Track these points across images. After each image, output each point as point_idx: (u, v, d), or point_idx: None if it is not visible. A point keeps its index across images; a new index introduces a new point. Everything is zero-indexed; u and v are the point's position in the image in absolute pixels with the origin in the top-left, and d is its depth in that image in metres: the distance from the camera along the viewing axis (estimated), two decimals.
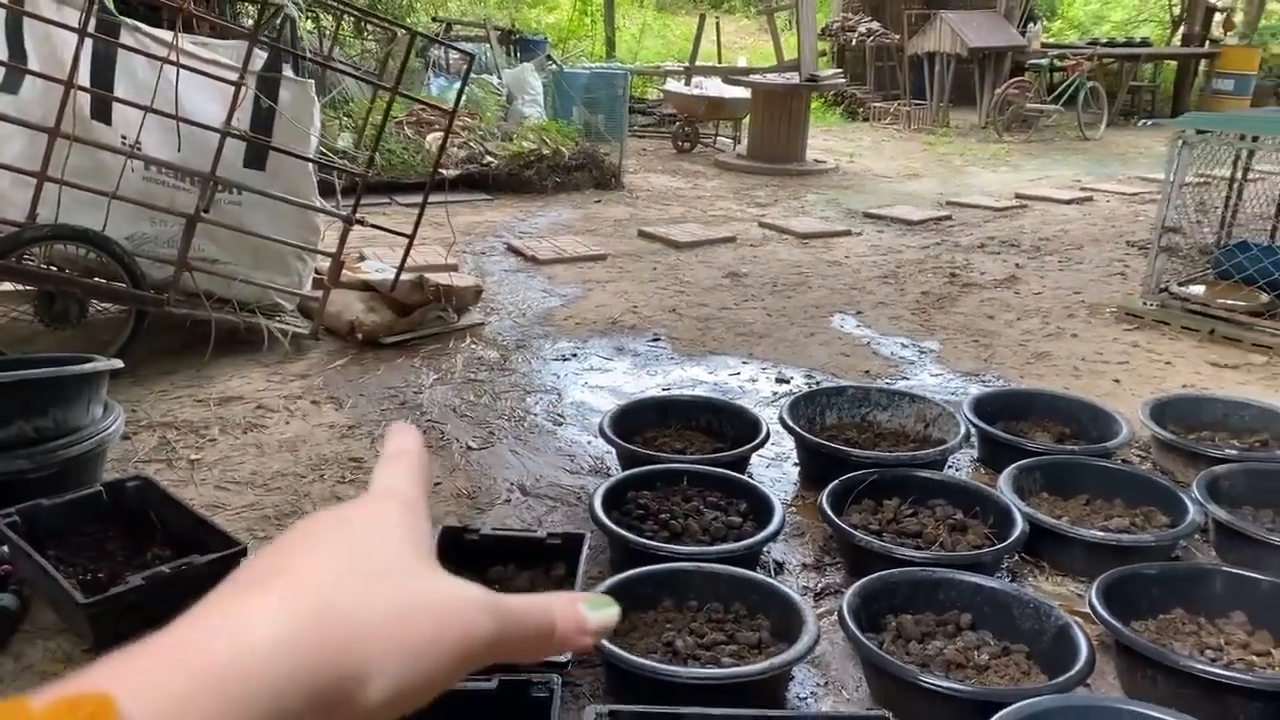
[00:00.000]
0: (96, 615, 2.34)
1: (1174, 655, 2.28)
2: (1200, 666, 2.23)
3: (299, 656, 0.37)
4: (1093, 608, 2.43)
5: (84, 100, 3.90)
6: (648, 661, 2.21)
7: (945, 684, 2.18)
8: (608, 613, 0.47)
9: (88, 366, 3.05)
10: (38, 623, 2.49)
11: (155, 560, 2.64)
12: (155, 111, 3.82)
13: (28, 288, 3.99)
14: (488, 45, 10.51)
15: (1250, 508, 3.09)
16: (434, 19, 9.09)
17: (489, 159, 7.87)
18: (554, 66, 10.79)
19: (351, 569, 0.41)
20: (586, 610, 0.47)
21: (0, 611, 2.44)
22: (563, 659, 2.19)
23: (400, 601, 0.41)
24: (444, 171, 7.31)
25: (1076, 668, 2.21)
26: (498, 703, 2.05)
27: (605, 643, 2.22)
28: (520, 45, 11.05)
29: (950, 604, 2.54)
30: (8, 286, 4.07)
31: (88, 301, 3.99)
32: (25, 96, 3.94)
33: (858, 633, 2.31)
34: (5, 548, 2.67)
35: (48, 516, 2.69)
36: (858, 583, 2.51)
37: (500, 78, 9.76)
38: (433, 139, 7.98)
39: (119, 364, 3.17)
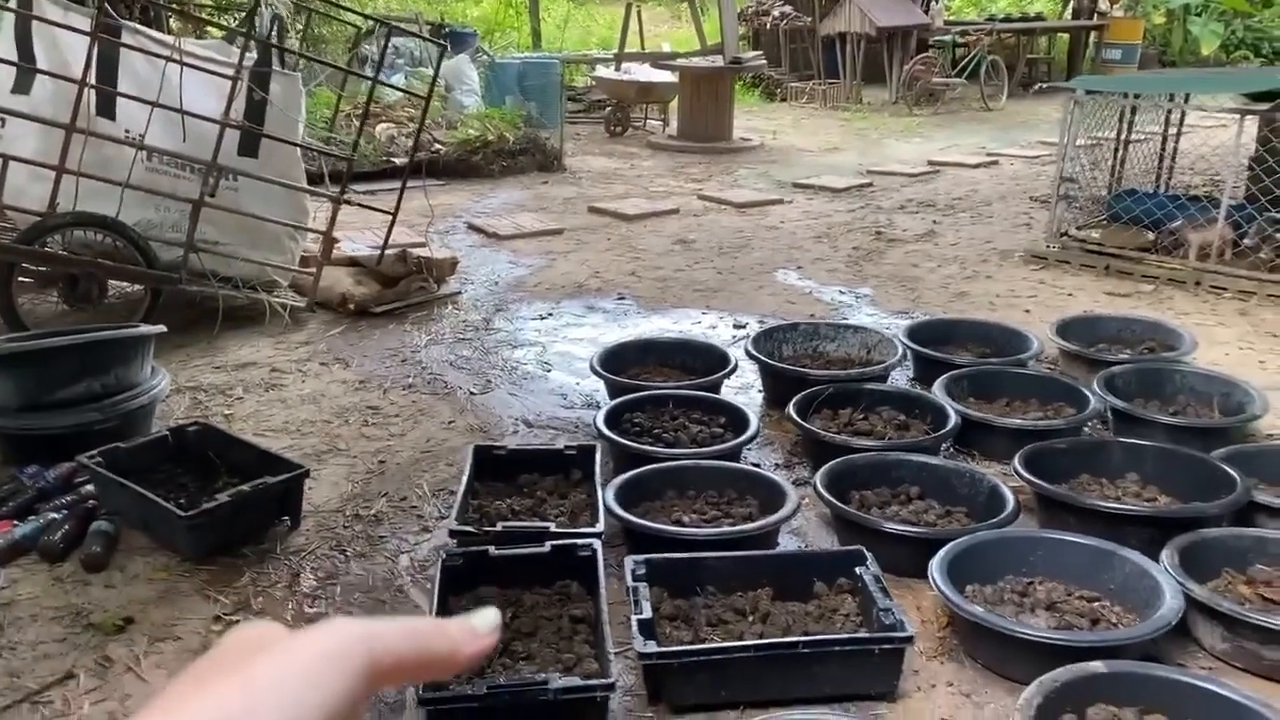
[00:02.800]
0: (195, 527, 2.76)
1: (1082, 496, 2.87)
2: (1103, 503, 2.82)
3: None
4: (1017, 472, 2.99)
5: (90, 98, 4.24)
6: (665, 526, 2.72)
7: (904, 527, 2.73)
8: (490, 615, 0.52)
9: (140, 330, 3.45)
10: (131, 545, 2.89)
11: (227, 487, 3.05)
12: (160, 106, 4.18)
13: (52, 273, 4.32)
14: (421, 40, 10.83)
15: (1140, 399, 3.71)
16: (365, 16, 9.43)
17: (437, 146, 8.26)
18: (485, 58, 11.18)
19: (242, 711, 0.42)
20: (475, 623, 0.51)
21: (104, 534, 2.83)
22: (597, 527, 2.67)
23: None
24: (396, 160, 7.70)
25: (1005, 513, 2.78)
26: (552, 561, 2.53)
27: (630, 516, 2.73)
28: (451, 38, 11.39)
29: (901, 480, 3.09)
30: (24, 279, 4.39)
31: (107, 283, 4.34)
32: (37, 97, 4.27)
33: (830, 498, 2.84)
34: (91, 486, 3.07)
35: (125, 457, 3.08)
36: (825, 465, 3.04)
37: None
38: (382, 129, 8.34)
39: (163, 329, 3.56)
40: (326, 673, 0.45)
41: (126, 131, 4.37)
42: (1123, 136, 6.26)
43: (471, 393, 4.04)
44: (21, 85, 4.28)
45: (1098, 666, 2.08)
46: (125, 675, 2.34)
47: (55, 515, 2.91)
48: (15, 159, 4.02)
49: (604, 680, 2.08)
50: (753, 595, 2.50)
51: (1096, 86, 6.21)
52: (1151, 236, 5.69)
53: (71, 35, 4.23)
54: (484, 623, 0.52)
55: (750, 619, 2.43)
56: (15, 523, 2.88)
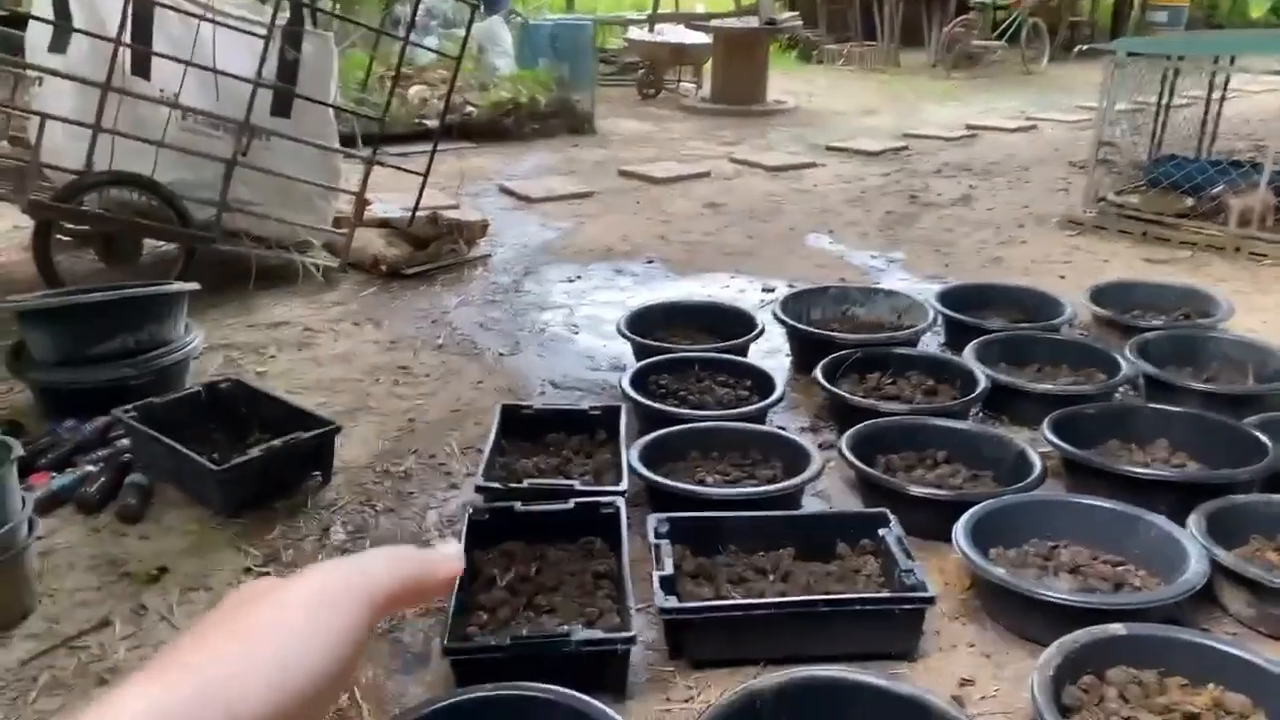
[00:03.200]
0: (226, 481, 2.81)
1: (1112, 461, 2.85)
2: (1131, 468, 2.80)
3: None
4: (1045, 436, 2.97)
5: (125, 57, 4.28)
6: (689, 485, 2.74)
7: (929, 490, 2.73)
8: (454, 546, 0.56)
9: (173, 286, 3.50)
10: (164, 498, 2.94)
11: (259, 443, 3.09)
12: (194, 65, 4.20)
13: (87, 232, 4.38)
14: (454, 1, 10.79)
15: (1174, 366, 3.66)
16: None
17: (469, 108, 8.26)
18: (518, 19, 11.12)
19: (241, 658, 0.43)
20: (448, 549, 0.55)
21: (139, 487, 2.89)
22: (621, 486, 2.69)
23: (277, 688, 0.43)
24: (428, 122, 7.70)
25: (1032, 477, 2.77)
26: (576, 518, 2.55)
27: (654, 475, 2.74)
28: (485, 0, 11.34)
29: (928, 444, 3.08)
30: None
31: (142, 242, 4.39)
32: (73, 56, 4.31)
33: (856, 460, 2.84)
34: (126, 440, 3.13)
35: (160, 412, 3.13)
36: (852, 429, 3.04)
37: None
38: (415, 91, 8.34)
39: (196, 286, 3.61)
40: (324, 612, 0.46)
41: (161, 91, 4.40)
42: (1164, 100, 6.13)
43: (500, 354, 4.06)
44: (58, 44, 4.31)
45: (1118, 629, 2.08)
46: (159, 624, 2.39)
47: (92, 468, 2.97)
48: (53, 117, 4.07)
49: (625, 634, 2.11)
50: (775, 555, 2.52)
51: (1139, 48, 6.09)
52: (1191, 202, 5.59)
53: None
54: (455, 549, 0.55)
55: (771, 578, 2.45)
56: (53, 474, 2.94)
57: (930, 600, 2.24)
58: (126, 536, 2.74)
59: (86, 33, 4.21)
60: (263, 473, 2.88)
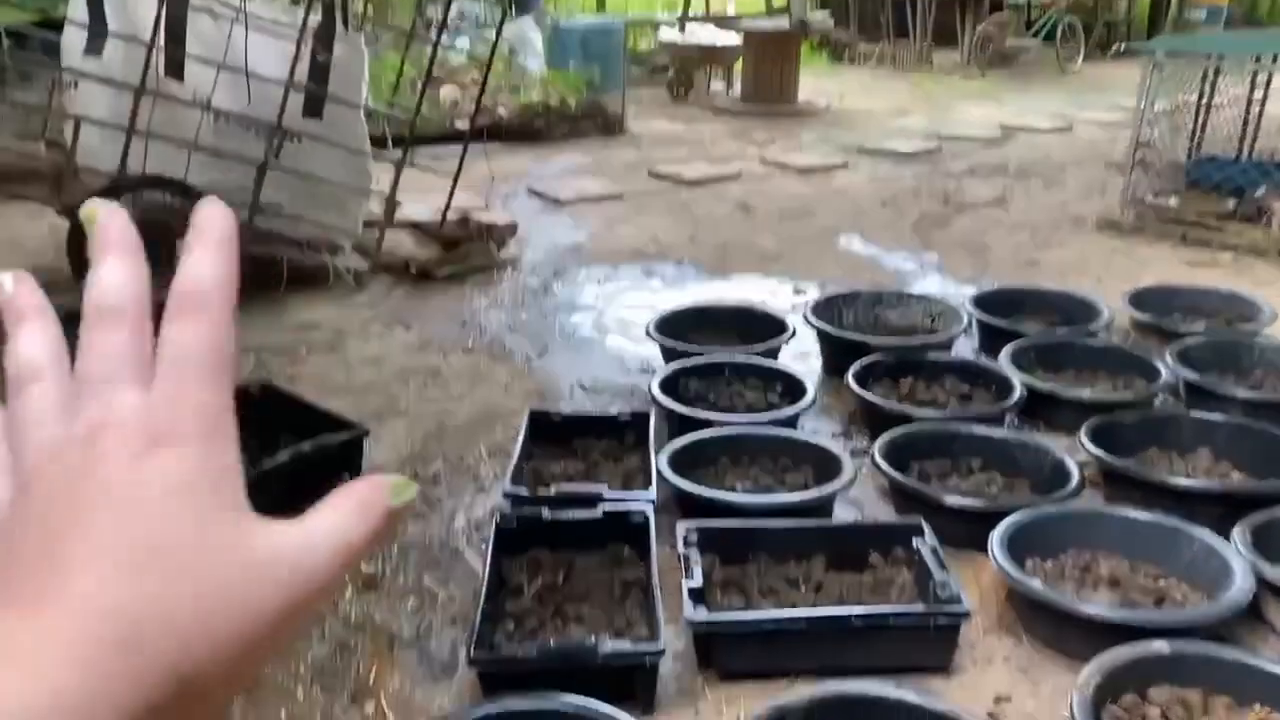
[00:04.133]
0: (254, 485, 2.79)
1: (1150, 471, 2.79)
2: (1172, 479, 2.73)
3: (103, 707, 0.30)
4: (1082, 445, 2.92)
5: (158, 60, 4.30)
6: (719, 492, 2.70)
7: (963, 500, 2.68)
8: (409, 493, 0.41)
9: None
10: None
11: (288, 446, 3.09)
12: (226, 68, 4.22)
13: None
14: (485, 3, 10.81)
15: (1215, 373, 3.58)
16: None
17: (500, 110, 8.26)
18: (550, 21, 11.11)
19: (142, 563, 0.33)
20: (388, 495, 0.40)
21: None
22: (650, 493, 2.66)
23: (210, 597, 0.34)
24: (459, 124, 7.71)
25: (1070, 487, 2.71)
26: (605, 526, 2.53)
27: (683, 482, 2.71)
28: (516, 2, 11.35)
29: (963, 451, 3.03)
30: None
31: (174, 244, 4.41)
32: (108, 59, 4.34)
33: (888, 468, 2.80)
34: None
35: None
36: (885, 435, 2.99)
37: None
38: (446, 93, 8.36)
39: None
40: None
41: (194, 93, 4.43)
42: (1204, 100, 6.02)
43: (529, 357, 4.05)
44: (93, 47, 4.35)
45: (1161, 646, 2.02)
46: None
47: None
48: (88, 120, 4.10)
49: (653, 646, 2.08)
50: (806, 565, 2.48)
51: (1177, 47, 5.98)
52: (1232, 204, 5.48)
53: None
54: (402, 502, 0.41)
55: (803, 589, 2.41)
56: None
57: (965, 614, 2.19)
58: None
59: (121, 36, 4.24)
60: (291, 476, 2.87)
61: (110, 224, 0.40)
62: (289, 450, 2.88)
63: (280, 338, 4.17)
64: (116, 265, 0.39)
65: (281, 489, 2.87)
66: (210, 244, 0.40)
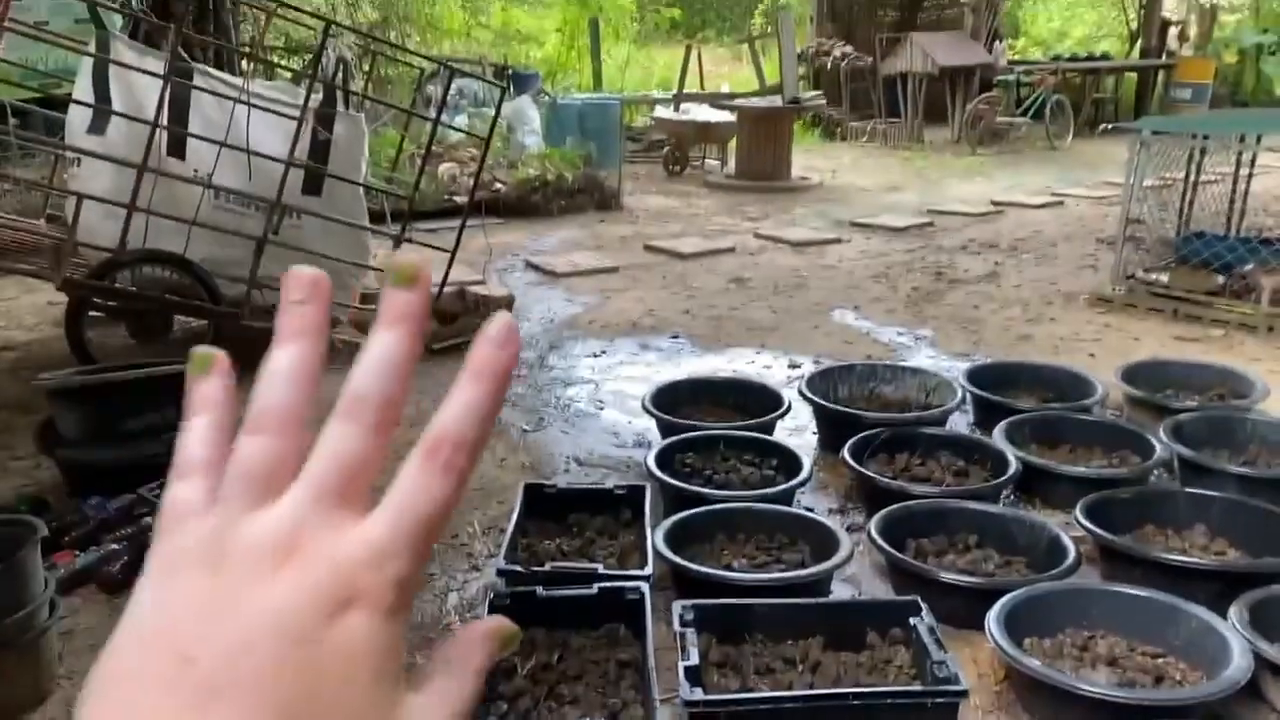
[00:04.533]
0: None
1: (1147, 548, 2.78)
2: (1169, 556, 2.72)
3: None
4: (1078, 521, 2.91)
5: (161, 139, 4.37)
6: (715, 570, 2.69)
7: (961, 577, 2.66)
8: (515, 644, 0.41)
9: None
10: None
11: None
12: (228, 146, 4.29)
13: (119, 309, 4.44)
14: (483, 82, 11.03)
15: (1209, 448, 3.59)
16: (428, 58, 9.63)
17: (498, 185, 8.37)
18: (547, 98, 11.34)
19: (299, 714, 0.32)
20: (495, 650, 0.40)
21: None
22: (646, 570, 2.64)
23: None
24: (457, 199, 7.81)
25: (1067, 564, 2.70)
26: (600, 603, 2.51)
27: (679, 559, 2.69)
28: (514, 80, 11.58)
29: (959, 528, 3.02)
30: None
31: (172, 319, 4.45)
32: (111, 137, 4.41)
33: (885, 545, 2.79)
34: (150, 518, 3.13)
35: None
36: (881, 511, 2.98)
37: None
38: (444, 169, 8.48)
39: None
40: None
41: (195, 170, 4.49)
42: (1192, 178, 6.12)
43: (524, 430, 4.05)
44: (97, 126, 4.42)
45: None
46: None
47: (115, 546, 2.96)
48: (89, 196, 4.15)
49: None
50: (803, 644, 2.46)
51: (1163, 127, 6.11)
52: (1221, 280, 5.54)
53: (146, 77, 4.37)
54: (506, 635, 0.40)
55: (800, 668, 2.38)
56: (77, 553, 2.94)
57: (963, 693, 2.17)
58: None
59: (125, 115, 4.32)
60: None
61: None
62: None
63: None
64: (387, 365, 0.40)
65: None
66: (488, 392, 0.38)
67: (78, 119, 4.50)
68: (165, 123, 4.25)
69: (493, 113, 10.27)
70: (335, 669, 0.33)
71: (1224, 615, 2.40)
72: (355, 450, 0.37)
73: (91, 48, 4.44)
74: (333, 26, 4.77)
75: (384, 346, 0.39)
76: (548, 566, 2.69)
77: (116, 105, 4.40)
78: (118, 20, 5.50)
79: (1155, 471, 3.44)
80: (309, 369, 0.37)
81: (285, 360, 0.39)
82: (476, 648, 0.39)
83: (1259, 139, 6.02)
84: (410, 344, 0.39)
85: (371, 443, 0.38)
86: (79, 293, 4.14)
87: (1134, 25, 17.03)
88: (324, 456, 0.37)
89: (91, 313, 4.36)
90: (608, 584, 2.55)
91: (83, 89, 4.46)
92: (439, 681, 0.38)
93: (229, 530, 0.35)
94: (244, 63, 5.92)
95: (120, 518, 3.14)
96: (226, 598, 0.33)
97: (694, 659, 2.21)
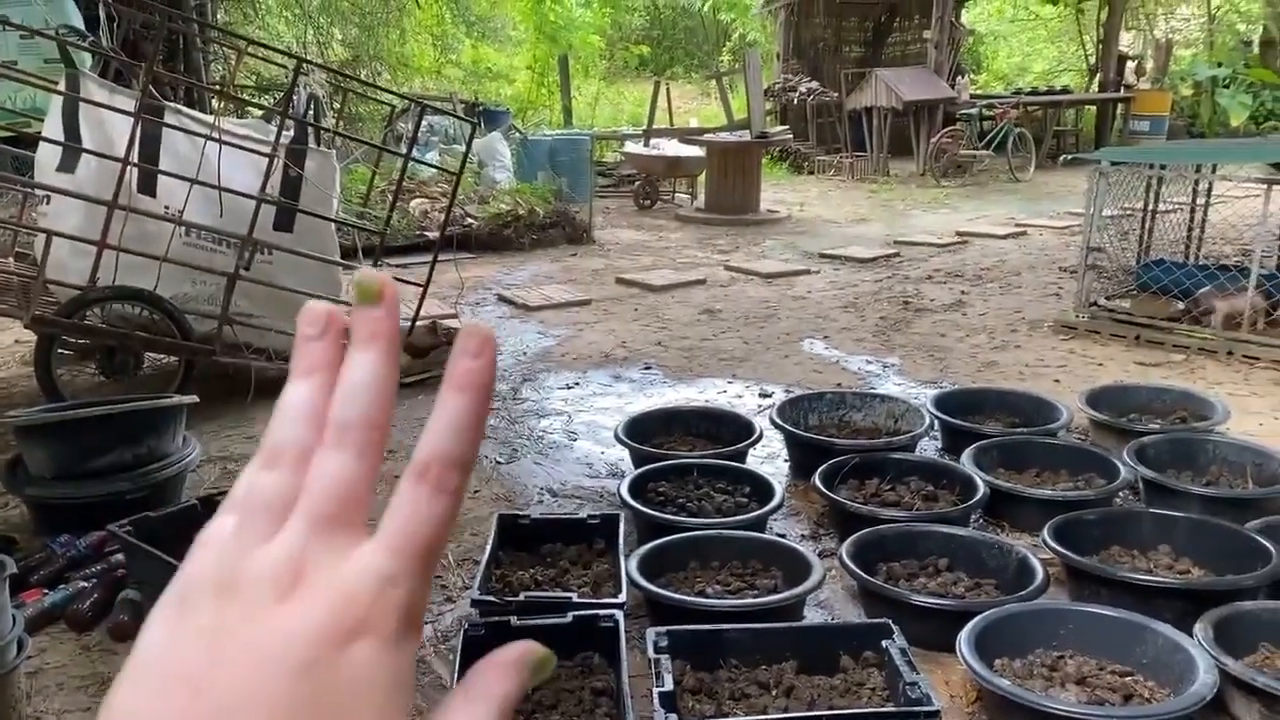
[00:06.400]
0: None
1: (1113, 568, 2.82)
2: (1135, 576, 2.77)
3: None
4: (1045, 543, 2.95)
5: (132, 175, 4.38)
6: (689, 596, 2.70)
7: (932, 600, 2.69)
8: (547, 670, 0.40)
9: (172, 400, 3.51)
10: None
11: None
12: (199, 183, 4.30)
13: (88, 346, 4.42)
14: (454, 118, 11.10)
15: (1172, 470, 3.65)
16: (400, 95, 9.70)
17: (470, 220, 8.41)
18: (518, 135, 11.42)
19: None
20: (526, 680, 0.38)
21: (131, 603, 2.86)
22: (620, 598, 2.66)
23: None
24: (428, 234, 7.84)
25: (1035, 585, 2.74)
26: (574, 632, 2.52)
27: (653, 587, 2.71)
28: (485, 116, 11.66)
29: (929, 551, 3.05)
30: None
31: (143, 355, 4.43)
32: (81, 175, 4.41)
33: (857, 569, 2.81)
34: (120, 555, 3.10)
35: (155, 526, 3.10)
36: (852, 536, 3.02)
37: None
38: (416, 204, 8.51)
39: (195, 399, 3.62)
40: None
41: (166, 207, 4.50)
42: (1150, 207, 6.26)
43: (498, 461, 4.06)
44: (67, 164, 4.42)
45: None
46: None
47: (85, 584, 2.94)
48: (59, 234, 4.15)
49: None
50: (777, 669, 2.47)
51: (1121, 158, 6.25)
52: (1181, 306, 5.66)
53: (116, 115, 4.38)
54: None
55: (774, 693, 2.40)
56: (45, 591, 2.91)
57: (936, 714, 2.19)
58: (118, 655, 2.69)
59: (95, 153, 4.32)
60: None
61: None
62: None
63: (248, 447, 4.16)
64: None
65: None
66: (471, 403, 0.38)
67: (47, 157, 4.50)
68: (136, 159, 4.26)
69: (464, 149, 10.36)
70: (345, 699, 0.33)
71: (1189, 633, 2.44)
72: (345, 475, 0.37)
73: (62, 86, 4.44)
74: (304, 64, 4.81)
75: (360, 369, 0.38)
76: (522, 596, 2.70)
77: (87, 143, 4.40)
78: (88, 59, 5.51)
79: (1120, 493, 3.50)
80: (323, 405, 0.39)
81: (299, 395, 0.39)
82: (502, 676, 0.38)
83: (1214, 168, 6.17)
84: (385, 361, 0.39)
85: (362, 465, 0.37)
86: (48, 330, 4.11)
87: (1092, 60, 17.41)
88: (316, 485, 0.37)
89: (61, 350, 4.34)
90: (582, 612, 2.56)
91: (53, 127, 4.46)
92: (461, 713, 0.36)
93: (242, 561, 0.35)
94: (215, 100, 5.94)
95: (90, 555, 3.12)
96: (236, 629, 0.34)
97: (669, 685, 2.22)
